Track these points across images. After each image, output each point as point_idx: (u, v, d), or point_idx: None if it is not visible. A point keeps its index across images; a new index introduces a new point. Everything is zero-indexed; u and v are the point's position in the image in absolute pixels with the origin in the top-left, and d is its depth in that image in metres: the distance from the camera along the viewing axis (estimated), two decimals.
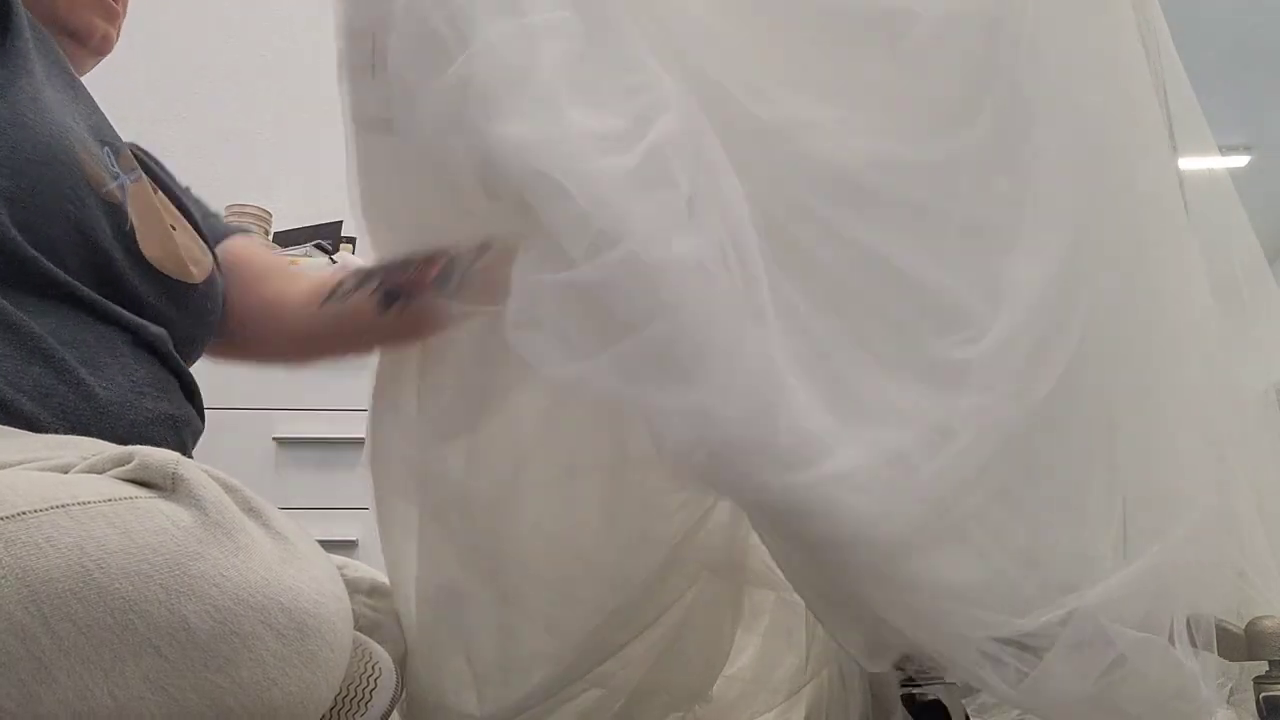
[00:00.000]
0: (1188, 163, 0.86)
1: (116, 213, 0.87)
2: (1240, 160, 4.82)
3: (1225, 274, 0.83)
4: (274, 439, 2.13)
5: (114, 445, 0.71)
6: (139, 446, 0.64)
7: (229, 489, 0.63)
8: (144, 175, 0.96)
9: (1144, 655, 0.68)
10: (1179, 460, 0.77)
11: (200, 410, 0.93)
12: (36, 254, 0.80)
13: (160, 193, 0.98)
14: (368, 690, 0.76)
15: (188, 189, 1.10)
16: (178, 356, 0.91)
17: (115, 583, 0.54)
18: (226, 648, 0.57)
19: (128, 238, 0.88)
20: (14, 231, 0.79)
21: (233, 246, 1.10)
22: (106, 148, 0.91)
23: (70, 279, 0.82)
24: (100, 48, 1.02)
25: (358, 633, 0.80)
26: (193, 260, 0.95)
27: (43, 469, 0.62)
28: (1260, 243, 0.86)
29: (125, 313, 0.86)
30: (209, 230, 1.06)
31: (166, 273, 0.91)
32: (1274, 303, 0.87)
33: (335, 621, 0.63)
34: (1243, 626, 0.78)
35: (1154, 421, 0.77)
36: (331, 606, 0.63)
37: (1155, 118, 0.84)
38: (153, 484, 0.60)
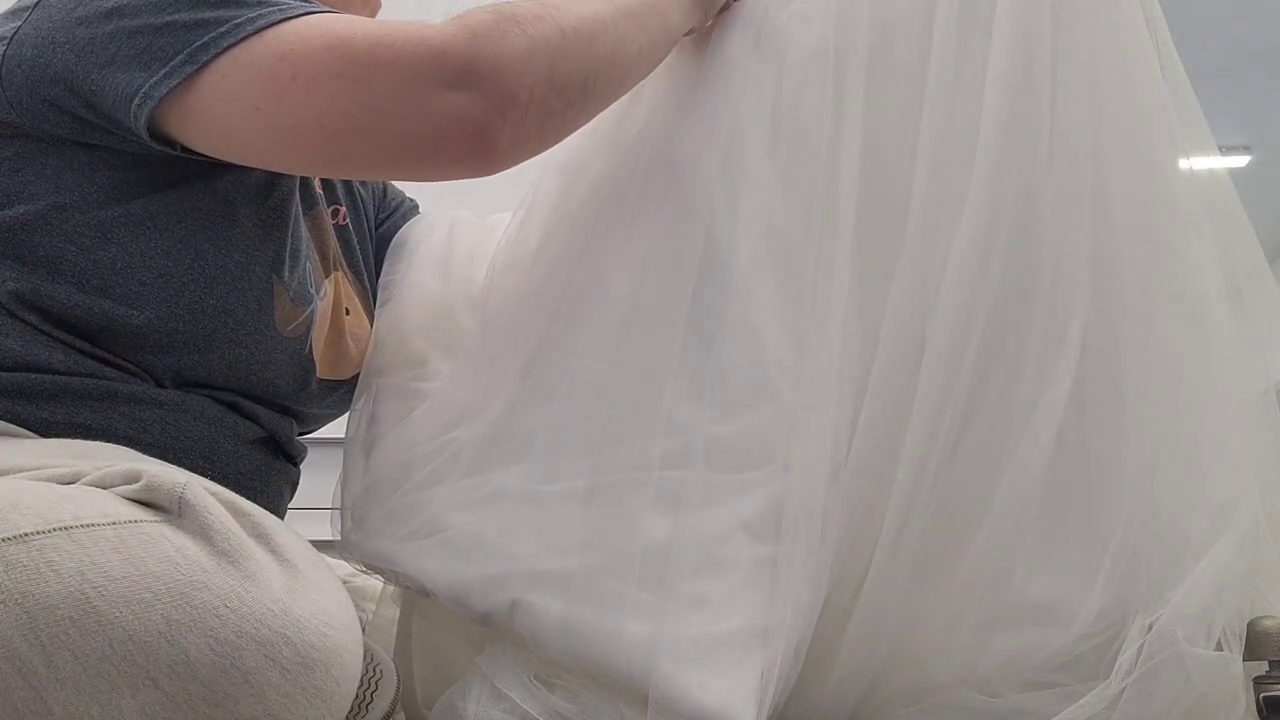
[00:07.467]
0: (1188, 163, 0.86)
1: (297, 343, 0.87)
2: (1240, 160, 4.82)
3: (1225, 274, 0.83)
4: None
5: (137, 457, 0.70)
6: (148, 465, 0.62)
7: (238, 514, 0.61)
8: (337, 268, 0.94)
9: (1210, 674, 0.69)
10: (1215, 465, 0.77)
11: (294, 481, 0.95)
12: (186, 392, 0.80)
13: (341, 271, 0.96)
14: (369, 693, 0.76)
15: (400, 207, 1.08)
16: (294, 446, 0.91)
17: (116, 611, 0.53)
18: (227, 682, 0.55)
19: (305, 360, 0.88)
20: (165, 372, 0.79)
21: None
22: (307, 262, 0.89)
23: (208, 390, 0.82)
24: None
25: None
26: (357, 344, 0.94)
27: (51, 477, 0.61)
28: (1260, 243, 0.86)
29: (252, 417, 0.86)
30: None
31: (326, 377, 0.92)
32: (1274, 303, 0.87)
33: (343, 654, 0.61)
34: (1243, 626, 0.78)
35: (1183, 429, 0.77)
36: (340, 638, 0.61)
37: (1167, 115, 0.84)
38: (159, 505, 0.59)
